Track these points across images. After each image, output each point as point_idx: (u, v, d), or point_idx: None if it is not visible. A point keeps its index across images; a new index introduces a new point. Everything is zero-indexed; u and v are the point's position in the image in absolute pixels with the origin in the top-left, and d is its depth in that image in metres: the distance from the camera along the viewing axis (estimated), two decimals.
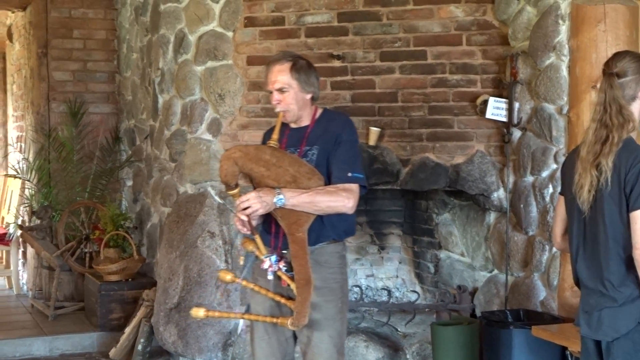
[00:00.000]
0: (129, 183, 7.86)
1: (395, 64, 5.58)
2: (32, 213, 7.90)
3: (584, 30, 4.78)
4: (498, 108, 5.28)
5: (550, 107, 5.01)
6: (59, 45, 8.00)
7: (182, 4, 6.08)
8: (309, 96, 3.80)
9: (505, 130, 5.29)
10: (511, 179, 5.31)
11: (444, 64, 5.50)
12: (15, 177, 8.30)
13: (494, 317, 4.92)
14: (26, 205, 8.25)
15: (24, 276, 8.69)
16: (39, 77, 8.02)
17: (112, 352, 6.27)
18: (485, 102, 5.32)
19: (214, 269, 5.73)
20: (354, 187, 3.67)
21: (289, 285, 3.64)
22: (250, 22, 5.85)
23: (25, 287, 8.61)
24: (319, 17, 5.71)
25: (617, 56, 3.29)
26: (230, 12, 5.86)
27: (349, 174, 3.66)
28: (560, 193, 3.52)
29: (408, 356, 5.51)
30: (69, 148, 7.78)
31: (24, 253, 8.68)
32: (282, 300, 3.65)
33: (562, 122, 4.95)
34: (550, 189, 4.99)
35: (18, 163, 8.26)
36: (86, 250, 7.47)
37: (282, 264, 3.68)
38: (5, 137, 10.18)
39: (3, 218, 9.21)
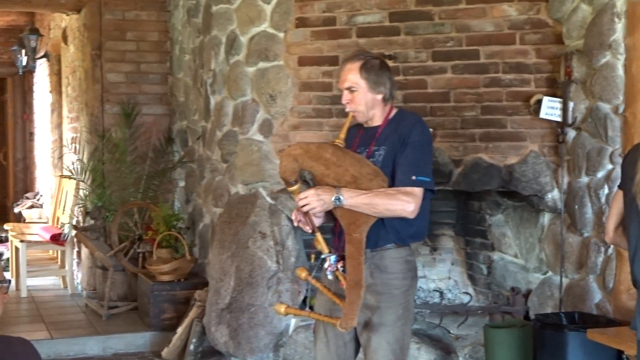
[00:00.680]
0: (182, 184, 7.90)
1: (447, 63, 5.53)
2: (86, 213, 7.97)
3: None
4: (552, 108, 5.20)
5: (605, 107, 4.93)
6: (113, 47, 8.06)
7: (234, 5, 6.10)
8: (379, 96, 3.72)
9: (559, 130, 5.22)
10: (565, 180, 5.24)
11: (497, 64, 5.43)
12: (69, 177, 8.38)
13: (548, 320, 4.86)
14: (80, 205, 8.33)
15: (79, 276, 8.79)
16: (93, 78, 8.10)
17: (164, 352, 6.30)
18: (539, 102, 5.25)
19: (265, 270, 5.75)
20: (417, 191, 3.57)
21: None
22: (301, 22, 5.85)
23: (79, 287, 8.71)
24: (370, 17, 5.68)
25: None
26: (282, 13, 5.87)
27: (413, 177, 3.56)
28: (619, 187, 3.45)
29: (460, 359, 5.45)
30: (122, 149, 7.84)
31: (79, 253, 8.78)
32: (338, 301, 3.60)
33: (618, 122, 4.87)
34: (606, 190, 4.91)
35: (72, 164, 8.33)
36: (139, 250, 7.53)
37: (340, 265, 3.63)
38: (60, 138, 10.27)
39: (58, 218, 9.32)
